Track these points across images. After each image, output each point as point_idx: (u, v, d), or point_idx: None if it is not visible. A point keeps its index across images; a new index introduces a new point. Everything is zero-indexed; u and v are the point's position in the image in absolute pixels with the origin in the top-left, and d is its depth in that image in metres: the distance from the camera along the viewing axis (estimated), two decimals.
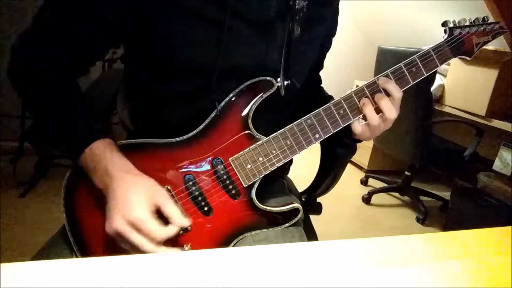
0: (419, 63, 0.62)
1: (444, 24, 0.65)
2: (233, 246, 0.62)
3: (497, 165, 1.89)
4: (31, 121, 1.74)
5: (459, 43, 0.65)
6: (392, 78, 0.61)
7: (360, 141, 0.70)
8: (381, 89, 0.61)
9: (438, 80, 2.23)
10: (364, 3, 2.83)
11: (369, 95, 0.61)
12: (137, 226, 0.48)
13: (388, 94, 0.61)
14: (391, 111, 0.60)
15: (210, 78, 0.58)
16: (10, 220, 1.56)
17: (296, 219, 0.64)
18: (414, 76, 0.62)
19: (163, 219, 0.52)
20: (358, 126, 0.63)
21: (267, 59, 0.61)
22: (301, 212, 0.64)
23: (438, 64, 0.63)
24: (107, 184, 0.52)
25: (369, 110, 0.60)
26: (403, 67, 0.61)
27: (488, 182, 1.85)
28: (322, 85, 0.85)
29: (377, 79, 0.61)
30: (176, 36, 0.56)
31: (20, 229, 1.52)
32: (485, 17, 0.67)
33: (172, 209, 0.52)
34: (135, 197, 0.50)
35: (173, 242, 0.53)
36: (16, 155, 1.86)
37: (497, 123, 1.90)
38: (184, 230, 0.57)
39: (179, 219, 0.52)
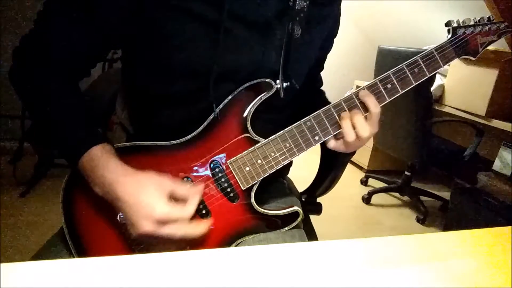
0: (421, 63, 0.61)
1: (447, 24, 0.64)
2: None
3: (497, 165, 1.89)
4: (31, 121, 1.74)
5: (463, 43, 0.63)
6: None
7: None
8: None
9: (438, 80, 2.23)
10: (364, 3, 2.83)
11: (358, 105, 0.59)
12: (164, 220, 0.50)
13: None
14: (364, 129, 0.58)
15: (207, 80, 0.57)
16: (10, 220, 1.56)
17: (296, 223, 0.64)
18: (416, 77, 0.61)
19: (179, 200, 0.53)
20: (332, 141, 0.62)
21: (265, 61, 0.60)
22: (301, 215, 0.63)
23: (442, 65, 0.62)
24: (108, 192, 0.52)
25: (346, 125, 0.58)
26: (405, 67, 0.60)
27: (488, 182, 1.85)
28: (322, 85, 0.85)
29: (359, 92, 0.60)
30: (172, 36, 0.55)
31: (20, 229, 1.52)
32: (491, 17, 0.65)
33: (183, 190, 0.53)
34: (147, 196, 0.50)
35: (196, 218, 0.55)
36: (16, 155, 1.86)
37: (497, 123, 1.90)
38: (205, 211, 0.59)
39: (194, 193, 0.54)
